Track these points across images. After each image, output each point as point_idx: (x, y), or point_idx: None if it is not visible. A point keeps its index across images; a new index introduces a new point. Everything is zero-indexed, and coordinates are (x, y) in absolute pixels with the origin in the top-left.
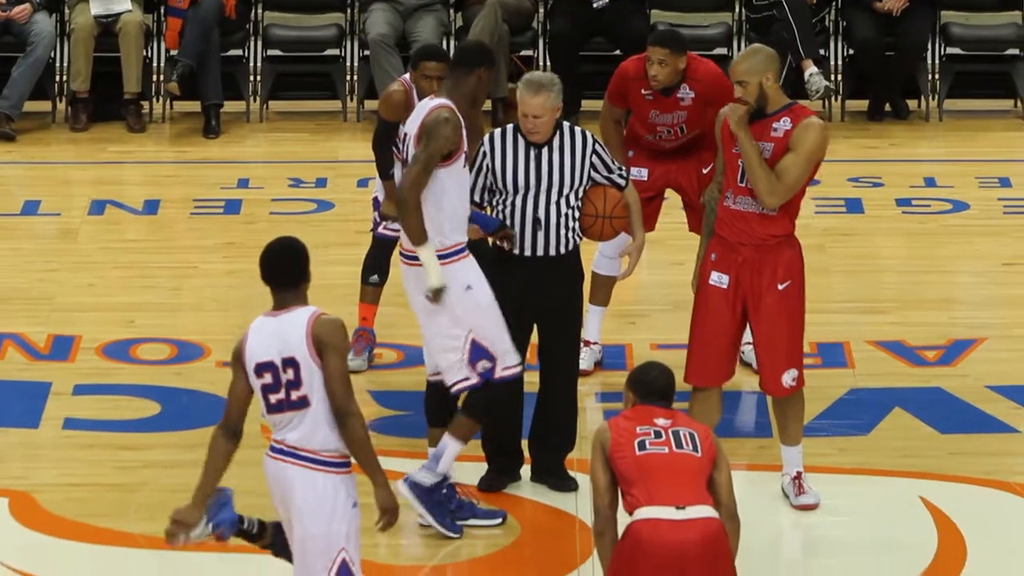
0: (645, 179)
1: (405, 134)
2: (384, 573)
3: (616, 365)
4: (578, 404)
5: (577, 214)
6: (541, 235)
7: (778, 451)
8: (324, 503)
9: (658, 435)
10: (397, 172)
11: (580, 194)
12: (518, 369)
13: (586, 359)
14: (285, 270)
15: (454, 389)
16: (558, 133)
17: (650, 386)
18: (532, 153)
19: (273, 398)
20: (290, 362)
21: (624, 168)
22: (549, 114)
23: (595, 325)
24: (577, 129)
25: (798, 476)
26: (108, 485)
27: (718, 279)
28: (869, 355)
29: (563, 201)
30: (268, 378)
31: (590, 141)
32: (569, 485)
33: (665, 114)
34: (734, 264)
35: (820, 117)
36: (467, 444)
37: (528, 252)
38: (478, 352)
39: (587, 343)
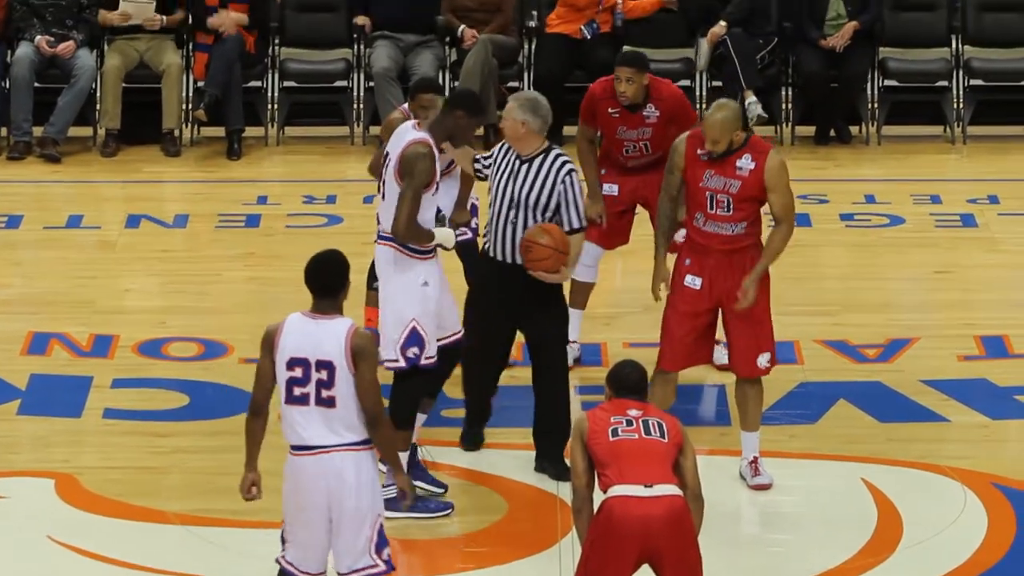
0: (616, 194)
1: (387, 154)
2: None
3: (593, 362)
4: (569, 398)
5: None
6: (511, 243)
7: (736, 438)
8: (369, 476)
9: (629, 423)
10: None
11: (548, 215)
12: (434, 362)
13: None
14: (328, 279)
15: (384, 366)
16: (544, 155)
17: (624, 381)
18: (517, 164)
19: (298, 391)
20: (325, 365)
21: (583, 220)
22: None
23: (574, 326)
24: (563, 158)
25: (755, 460)
26: (143, 468)
27: (692, 280)
28: (816, 352)
29: (537, 216)
30: (298, 372)
31: (565, 170)
32: (567, 474)
33: (631, 130)
34: (707, 267)
35: (772, 141)
36: (406, 449)
37: (508, 260)
38: (414, 339)
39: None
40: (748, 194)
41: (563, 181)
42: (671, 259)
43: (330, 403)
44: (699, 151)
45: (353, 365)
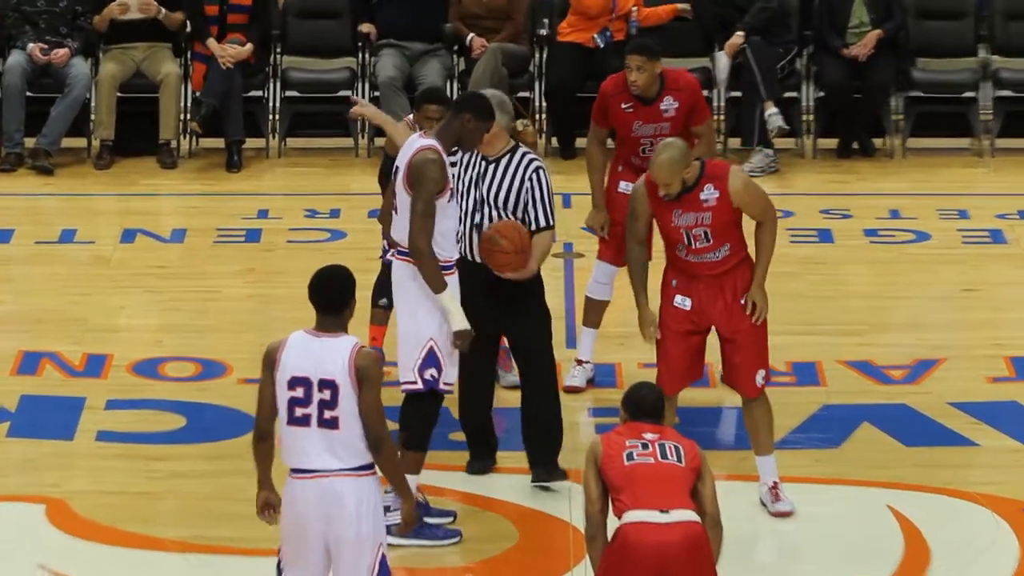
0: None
1: (396, 167)
2: None
3: (607, 383)
4: (560, 401)
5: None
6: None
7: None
8: (371, 503)
9: (645, 447)
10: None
11: (517, 215)
12: (451, 388)
13: (579, 377)
14: (333, 295)
15: (401, 387)
16: (510, 155)
17: (639, 404)
18: (483, 165)
19: (300, 411)
20: (328, 384)
21: (551, 218)
22: (497, 126)
23: (587, 345)
24: (529, 155)
25: (775, 486)
26: (137, 493)
27: (681, 301)
28: (840, 374)
29: (505, 215)
30: (299, 392)
31: (532, 168)
32: (556, 474)
33: (647, 124)
34: (695, 290)
35: (792, 154)
36: (420, 473)
37: (479, 260)
38: (431, 361)
39: (580, 362)
40: (723, 220)
41: (530, 179)
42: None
43: (333, 424)
44: (660, 192)
45: (357, 385)
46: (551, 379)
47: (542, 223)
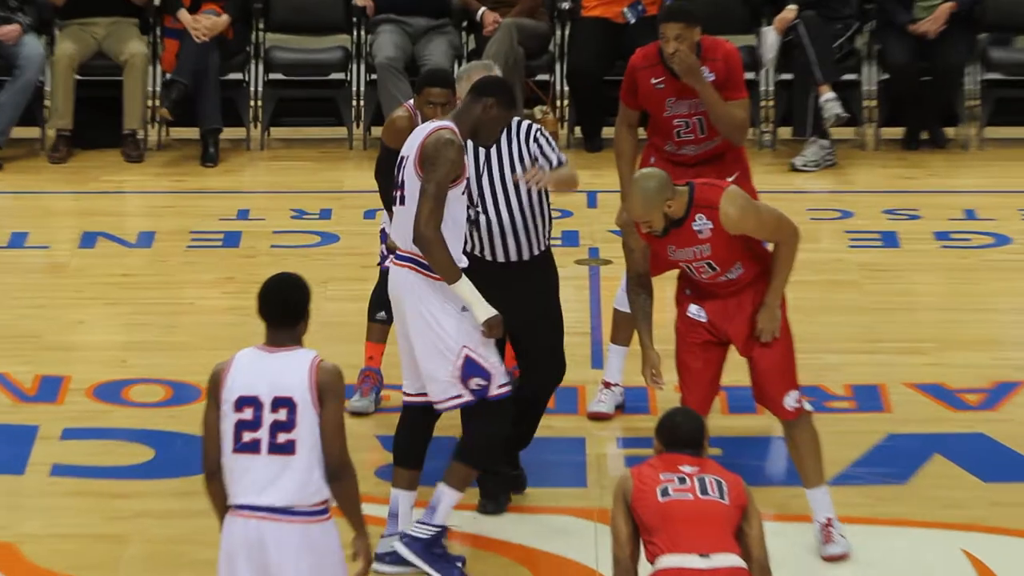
0: None
1: (403, 158)
2: None
3: (638, 408)
4: (545, 405)
5: (539, 217)
6: (499, 239)
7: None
8: (326, 555)
9: (682, 481)
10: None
11: (539, 191)
12: (509, 388)
13: (606, 402)
14: (284, 307)
15: (443, 406)
16: (504, 131)
17: (676, 432)
18: (482, 156)
19: (248, 436)
20: (285, 403)
21: (561, 156)
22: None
23: (616, 366)
24: (525, 123)
25: (828, 523)
26: (98, 536)
27: (697, 312)
28: (907, 398)
29: (519, 201)
30: (247, 414)
31: (533, 129)
32: (519, 481)
33: (682, 101)
34: (711, 305)
35: (853, 145)
36: (464, 492)
37: (489, 257)
38: (472, 368)
39: (608, 385)
40: (725, 249)
41: (535, 141)
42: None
43: (288, 449)
44: (643, 230)
45: (318, 403)
46: (550, 389)
47: (554, 163)
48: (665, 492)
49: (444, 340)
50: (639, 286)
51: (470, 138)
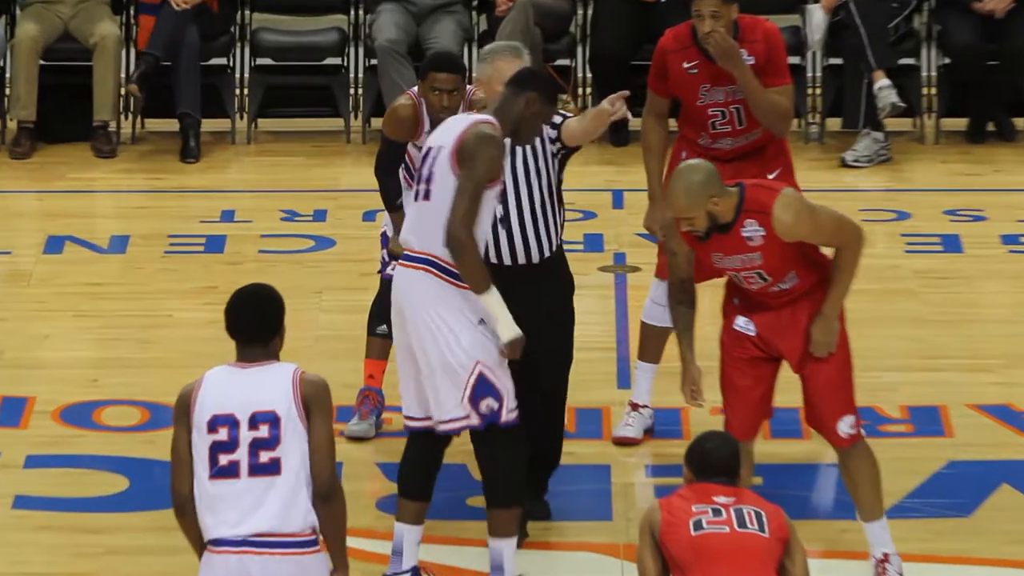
0: None
1: (431, 148)
2: None
3: (669, 432)
4: (564, 421)
5: (550, 216)
6: (504, 239)
7: (863, 536)
8: None
9: (717, 513)
10: (406, 200)
11: (549, 188)
12: (518, 414)
13: (634, 426)
14: (254, 322)
15: (446, 428)
16: None
17: (707, 459)
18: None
19: (224, 459)
20: (267, 418)
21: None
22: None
23: (645, 386)
24: None
25: (884, 559)
26: (66, 575)
27: (745, 324)
28: (970, 421)
29: (529, 199)
30: (222, 434)
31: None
32: (540, 512)
33: (717, 88)
34: (762, 317)
35: (911, 138)
36: (517, 534)
37: (494, 260)
38: (484, 388)
39: (635, 407)
40: (777, 258)
41: (553, 126)
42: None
43: (272, 469)
44: (682, 228)
45: (304, 416)
46: (563, 401)
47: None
48: (699, 525)
49: (456, 353)
50: (682, 293)
51: (508, 136)
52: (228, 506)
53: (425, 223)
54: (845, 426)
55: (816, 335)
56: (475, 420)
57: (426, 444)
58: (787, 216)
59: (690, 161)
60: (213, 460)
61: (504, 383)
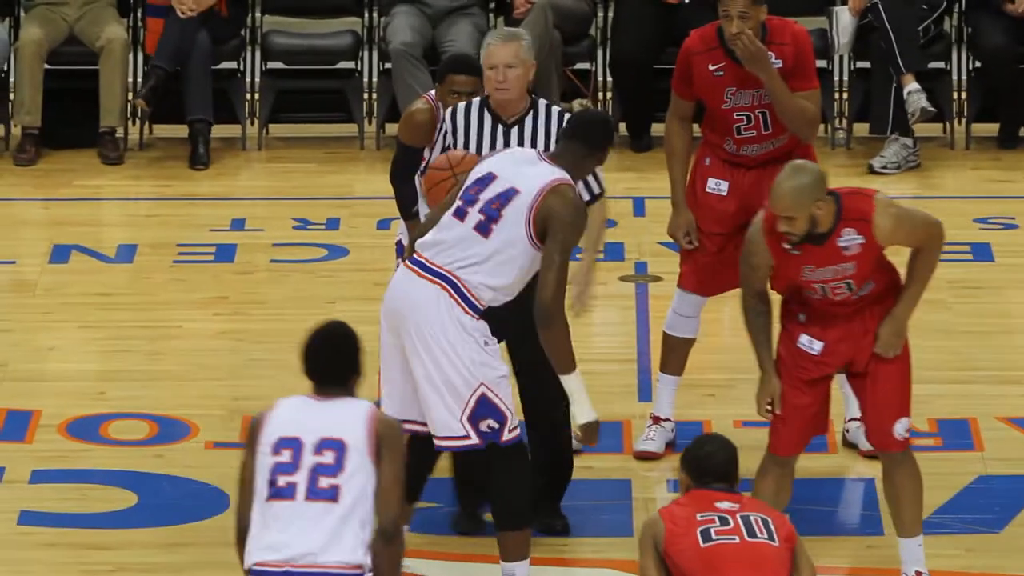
0: (724, 193)
1: (493, 177)
2: None
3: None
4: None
5: None
6: None
7: (890, 552)
8: None
9: (724, 521)
10: (422, 208)
11: None
12: (519, 432)
13: (656, 439)
14: (333, 363)
15: (444, 445)
16: (532, 112)
17: (706, 464)
18: (500, 131)
19: (283, 480)
20: (334, 444)
21: (603, 184)
22: (522, 67)
23: (667, 398)
24: (555, 108)
25: None
26: None
27: (808, 343)
28: (1001, 434)
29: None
30: (285, 456)
31: (564, 118)
32: (556, 525)
33: (744, 92)
34: (829, 332)
35: (941, 143)
36: (529, 556)
37: None
38: (485, 409)
39: (657, 420)
40: (869, 265)
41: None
42: None
43: (331, 495)
44: (784, 244)
45: (375, 453)
46: (559, 405)
47: (594, 189)
48: (707, 535)
49: (461, 372)
50: (760, 304)
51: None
52: (279, 528)
53: (465, 249)
54: (901, 428)
55: (886, 335)
56: (475, 439)
57: (421, 446)
58: (888, 222)
59: (797, 161)
60: (271, 482)
61: (507, 404)
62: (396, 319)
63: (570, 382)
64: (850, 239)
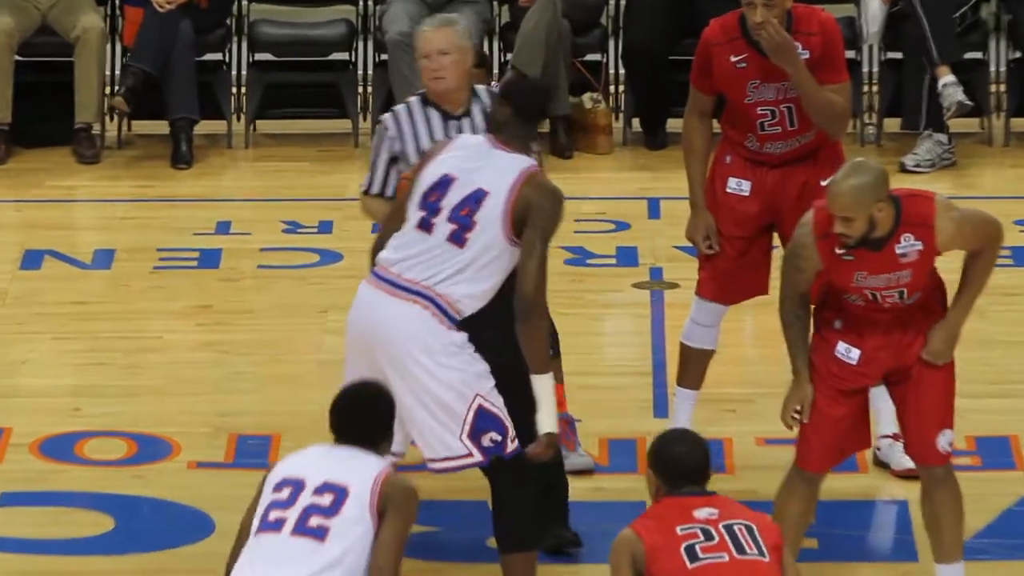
0: (747, 193)
1: (451, 178)
2: None
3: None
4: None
5: None
6: None
7: None
8: None
9: (708, 535)
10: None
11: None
12: (517, 446)
13: None
14: (361, 424)
15: (442, 466)
16: (476, 100)
17: (679, 465)
18: (451, 126)
19: (274, 515)
20: (335, 489)
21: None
22: (458, 53)
23: (684, 414)
24: (484, 88)
25: None
26: None
27: (846, 352)
28: None
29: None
30: (284, 493)
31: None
32: (567, 535)
33: (767, 85)
34: (869, 340)
35: (978, 139)
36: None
37: None
38: (485, 420)
39: None
40: (923, 272)
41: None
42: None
43: (318, 534)
44: (836, 249)
45: (378, 511)
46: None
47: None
48: (693, 554)
49: (453, 388)
50: (801, 307)
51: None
52: (261, 559)
53: (440, 263)
54: (944, 441)
55: (937, 342)
56: (478, 457)
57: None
58: (950, 226)
59: (859, 159)
60: (263, 517)
61: (504, 411)
62: (370, 342)
63: (541, 384)
64: (909, 245)
